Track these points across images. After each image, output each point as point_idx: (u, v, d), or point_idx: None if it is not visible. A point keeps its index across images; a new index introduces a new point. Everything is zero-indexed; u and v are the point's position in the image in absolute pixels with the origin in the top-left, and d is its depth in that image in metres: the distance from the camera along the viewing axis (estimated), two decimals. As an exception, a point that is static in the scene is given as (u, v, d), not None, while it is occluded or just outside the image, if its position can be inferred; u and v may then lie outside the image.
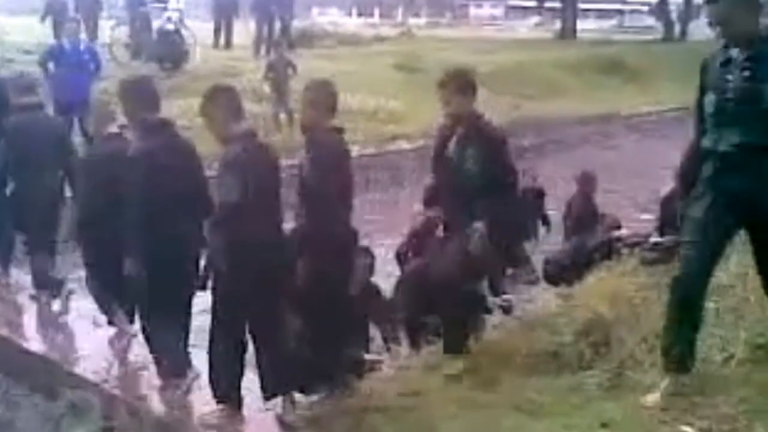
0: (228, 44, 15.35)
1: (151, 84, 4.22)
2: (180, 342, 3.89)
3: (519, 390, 3.53)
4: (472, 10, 56.05)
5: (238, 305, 3.49)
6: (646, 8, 37.28)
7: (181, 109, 7.97)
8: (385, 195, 10.15)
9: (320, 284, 3.53)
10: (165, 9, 12.92)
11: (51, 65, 8.81)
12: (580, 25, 29.61)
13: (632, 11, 42.48)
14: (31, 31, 15.78)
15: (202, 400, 3.76)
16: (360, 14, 48.46)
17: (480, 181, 3.86)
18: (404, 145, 11.41)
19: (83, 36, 10.33)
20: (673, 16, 29.15)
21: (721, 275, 4.75)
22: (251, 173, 3.39)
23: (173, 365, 3.88)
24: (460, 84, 3.97)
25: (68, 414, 3.99)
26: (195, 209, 3.76)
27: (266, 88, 10.76)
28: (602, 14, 42.81)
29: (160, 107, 4.02)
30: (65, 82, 8.43)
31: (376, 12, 50.23)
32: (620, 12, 43.87)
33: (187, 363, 3.89)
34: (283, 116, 10.43)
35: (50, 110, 7.93)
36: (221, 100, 3.58)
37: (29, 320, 5.20)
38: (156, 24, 12.75)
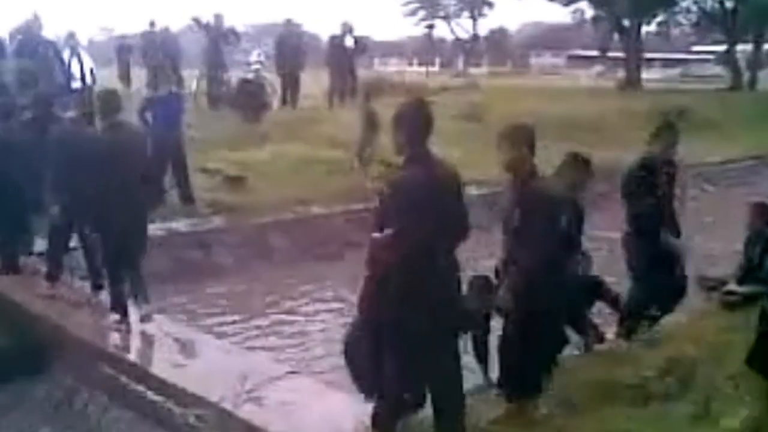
0: (294, 101, 14.87)
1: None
2: None
3: (607, 418, 3.70)
4: (533, 60, 56.23)
5: None
6: (712, 57, 36.83)
7: (271, 154, 8.63)
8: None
9: None
10: (248, 63, 13.75)
11: (148, 114, 9.46)
12: (645, 74, 29.52)
13: (698, 60, 42.04)
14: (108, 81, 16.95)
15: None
16: (420, 64, 49.35)
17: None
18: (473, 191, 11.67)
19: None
20: (741, 64, 28.78)
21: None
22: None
23: None
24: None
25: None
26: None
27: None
28: (667, 63, 42.56)
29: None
30: (160, 127, 9.11)
31: (437, 61, 51.07)
32: (685, 61, 43.52)
33: None
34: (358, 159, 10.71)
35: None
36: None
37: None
38: (237, 76, 13.55)
